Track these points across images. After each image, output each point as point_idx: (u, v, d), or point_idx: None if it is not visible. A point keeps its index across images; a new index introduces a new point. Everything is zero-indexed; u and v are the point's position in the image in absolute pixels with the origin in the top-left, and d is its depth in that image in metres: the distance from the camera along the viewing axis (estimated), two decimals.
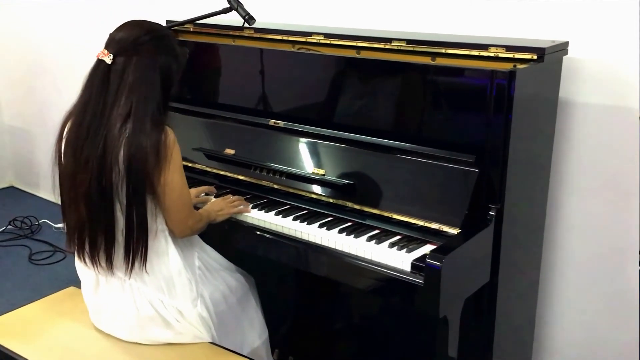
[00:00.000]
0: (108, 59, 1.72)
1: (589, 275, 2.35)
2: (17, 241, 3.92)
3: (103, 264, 1.80)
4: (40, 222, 4.10)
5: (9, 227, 4.06)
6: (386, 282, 1.75)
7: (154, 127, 1.71)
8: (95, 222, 1.75)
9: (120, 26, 1.79)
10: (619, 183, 2.22)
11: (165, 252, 1.85)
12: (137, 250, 1.77)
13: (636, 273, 2.24)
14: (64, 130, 1.79)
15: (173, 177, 1.75)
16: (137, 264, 1.78)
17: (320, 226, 1.94)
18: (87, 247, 1.80)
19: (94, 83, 1.74)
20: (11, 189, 4.80)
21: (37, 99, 4.36)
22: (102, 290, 1.88)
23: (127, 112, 1.70)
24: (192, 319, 1.88)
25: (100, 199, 1.72)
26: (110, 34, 1.78)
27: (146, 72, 1.72)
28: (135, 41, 1.73)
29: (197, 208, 2.00)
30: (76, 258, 1.89)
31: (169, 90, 1.80)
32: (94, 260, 1.80)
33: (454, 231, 1.81)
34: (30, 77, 4.37)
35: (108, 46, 1.75)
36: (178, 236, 1.88)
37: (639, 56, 2.09)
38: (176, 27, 2.63)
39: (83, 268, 1.90)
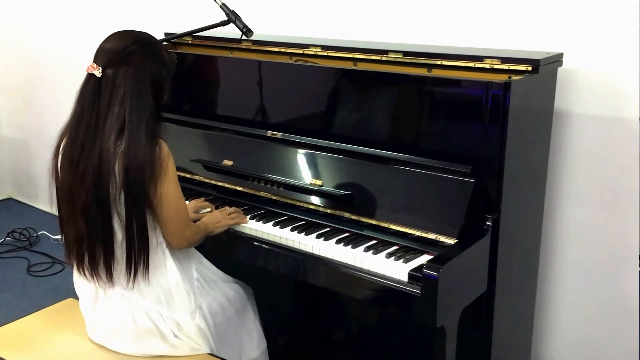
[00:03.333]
0: (97, 72, 1.72)
1: (587, 284, 2.36)
2: (15, 253, 3.91)
3: (103, 276, 1.81)
4: (38, 233, 4.10)
5: (7, 238, 4.05)
6: (383, 292, 1.75)
7: (149, 139, 1.71)
8: (94, 235, 1.76)
9: (107, 38, 1.79)
10: (615, 192, 2.23)
11: (163, 265, 1.86)
12: (139, 260, 1.77)
13: (635, 281, 2.25)
14: (59, 146, 1.79)
15: (168, 189, 1.75)
16: (139, 274, 1.79)
17: (318, 237, 1.95)
18: (86, 261, 1.80)
19: (85, 97, 1.74)
20: (10, 200, 4.79)
21: (36, 110, 4.37)
22: (101, 304, 1.88)
23: (121, 124, 1.70)
24: (191, 331, 1.88)
25: (98, 212, 1.72)
26: (98, 47, 1.78)
27: (136, 82, 1.73)
28: (122, 52, 1.73)
29: (195, 222, 2.01)
30: (75, 272, 1.89)
31: (160, 98, 1.81)
32: (94, 273, 1.81)
33: (450, 241, 1.82)
34: (29, 89, 4.38)
35: (96, 59, 1.75)
36: (175, 248, 1.89)
37: (633, 67, 2.11)
38: (174, 40, 2.65)
39: (82, 282, 1.90)
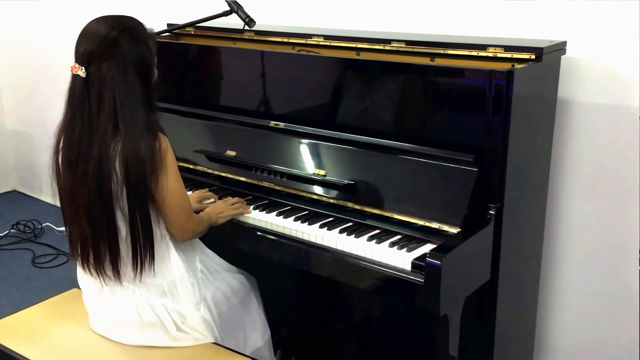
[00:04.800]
0: (82, 73, 1.69)
1: (590, 274, 2.36)
2: (20, 245, 3.93)
3: (110, 274, 1.80)
4: (43, 225, 4.12)
5: (12, 230, 4.07)
6: (387, 281, 1.76)
7: (146, 133, 1.70)
8: (98, 234, 1.75)
9: (82, 32, 1.74)
10: (618, 181, 2.23)
11: (167, 258, 1.86)
12: (145, 253, 1.77)
13: (637, 271, 2.25)
14: (59, 144, 1.77)
15: (169, 183, 1.74)
16: (146, 267, 1.79)
17: (321, 226, 1.95)
18: (91, 259, 1.80)
19: (74, 99, 1.72)
20: (14, 193, 4.81)
21: (39, 103, 4.37)
22: (105, 298, 1.88)
23: (115, 119, 1.68)
24: (196, 323, 1.89)
25: (101, 211, 1.72)
26: (76, 44, 1.73)
27: (122, 73, 1.69)
28: (101, 45, 1.69)
29: (198, 212, 2.01)
30: (80, 269, 1.89)
31: (149, 80, 1.78)
32: (100, 271, 1.81)
33: (454, 230, 1.82)
34: (33, 82, 4.39)
35: (77, 58, 1.71)
36: (179, 240, 1.89)
37: (637, 55, 2.10)
38: (177, 30, 2.65)
39: (86, 277, 1.89)
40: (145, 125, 1.71)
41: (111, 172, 1.69)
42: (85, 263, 1.83)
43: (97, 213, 1.72)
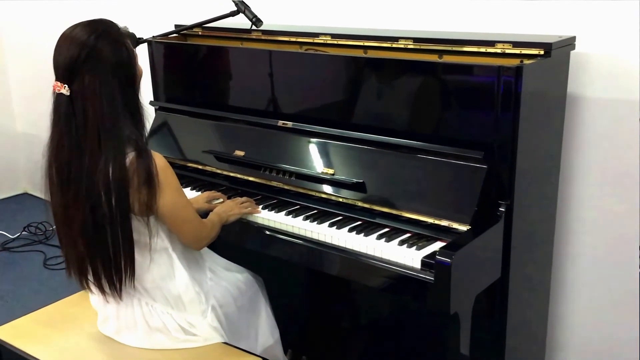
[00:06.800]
0: (65, 91, 1.64)
1: (602, 271, 2.34)
2: (31, 247, 3.96)
3: (108, 290, 1.79)
4: (54, 227, 4.09)
5: (23, 233, 4.10)
6: (397, 279, 1.75)
7: (138, 153, 1.66)
8: (95, 253, 1.73)
9: (57, 47, 1.68)
10: (630, 177, 2.21)
11: (170, 269, 1.85)
12: (126, 268, 1.74)
13: None
14: (50, 165, 1.73)
15: (167, 200, 1.72)
16: (127, 280, 1.76)
17: (330, 225, 1.95)
18: (90, 277, 1.79)
19: (60, 119, 1.67)
20: (25, 195, 4.84)
21: (49, 106, 4.39)
22: (112, 304, 1.88)
23: (98, 139, 1.64)
24: (204, 330, 1.89)
25: (95, 229, 1.69)
26: (53, 61, 1.67)
27: (104, 86, 1.64)
28: (81, 54, 1.63)
29: (207, 213, 2.02)
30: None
31: (133, 83, 1.73)
32: (100, 288, 1.80)
33: (463, 228, 1.81)
34: (43, 85, 4.35)
35: (57, 75, 1.66)
36: (197, 249, 1.91)
37: None
38: (185, 31, 2.65)
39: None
40: (129, 142, 1.67)
41: (103, 192, 1.65)
42: (84, 282, 1.82)
43: (92, 233, 1.70)
